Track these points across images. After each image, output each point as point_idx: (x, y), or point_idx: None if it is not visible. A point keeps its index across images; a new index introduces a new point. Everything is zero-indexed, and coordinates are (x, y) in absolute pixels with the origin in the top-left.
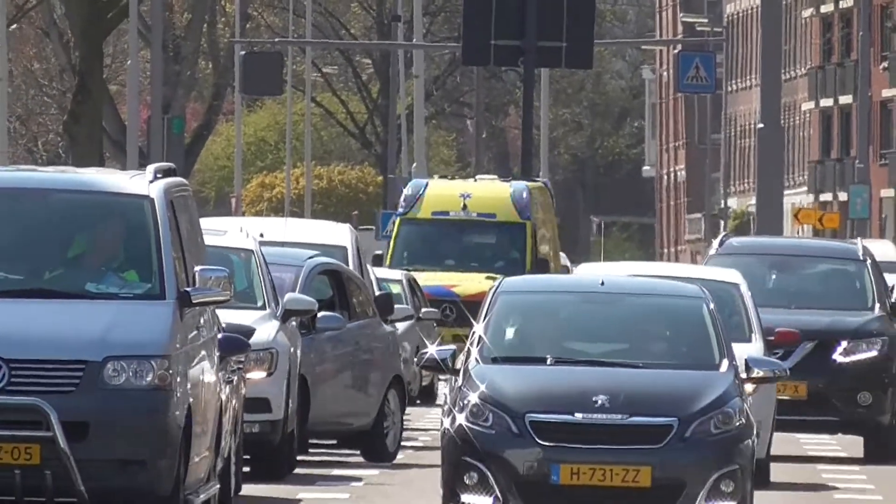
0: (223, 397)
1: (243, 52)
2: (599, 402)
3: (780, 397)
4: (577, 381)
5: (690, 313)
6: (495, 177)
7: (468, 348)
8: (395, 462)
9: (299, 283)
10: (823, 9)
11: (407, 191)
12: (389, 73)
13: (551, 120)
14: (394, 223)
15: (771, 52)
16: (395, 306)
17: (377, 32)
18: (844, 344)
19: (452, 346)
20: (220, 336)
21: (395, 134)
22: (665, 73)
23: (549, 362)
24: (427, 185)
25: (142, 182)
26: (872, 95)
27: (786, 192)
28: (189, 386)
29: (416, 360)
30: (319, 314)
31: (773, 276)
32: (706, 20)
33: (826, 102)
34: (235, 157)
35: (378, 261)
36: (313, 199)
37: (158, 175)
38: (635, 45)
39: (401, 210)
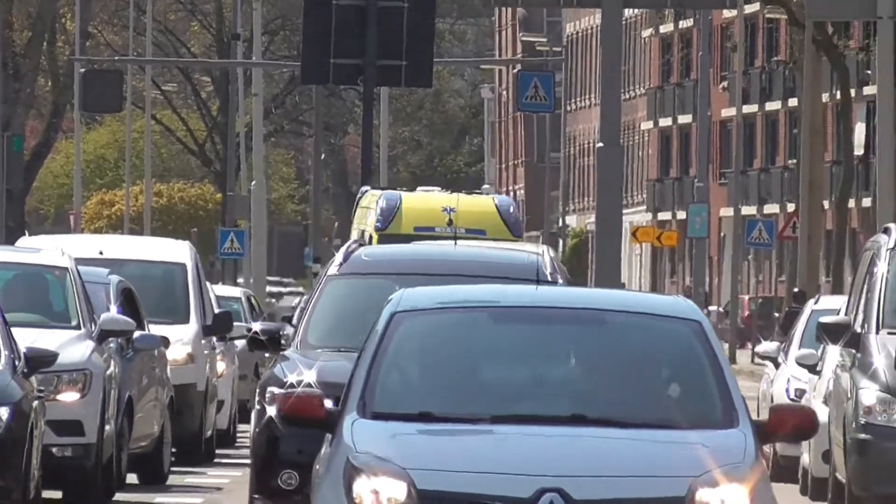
0: None
1: (83, 70)
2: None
3: None
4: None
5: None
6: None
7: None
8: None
9: (112, 301)
10: (663, 29)
11: (381, 203)
12: (229, 91)
13: (391, 138)
14: (368, 239)
15: (610, 72)
16: (234, 324)
17: (217, 51)
18: None
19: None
20: None
21: (234, 151)
22: (504, 93)
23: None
24: (401, 197)
25: None
26: (712, 115)
27: (625, 210)
28: None
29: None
30: (136, 334)
31: None
32: (545, 40)
33: (665, 122)
34: (75, 175)
35: None
36: (153, 217)
37: None
38: (474, 64)
39: (377, 225)
